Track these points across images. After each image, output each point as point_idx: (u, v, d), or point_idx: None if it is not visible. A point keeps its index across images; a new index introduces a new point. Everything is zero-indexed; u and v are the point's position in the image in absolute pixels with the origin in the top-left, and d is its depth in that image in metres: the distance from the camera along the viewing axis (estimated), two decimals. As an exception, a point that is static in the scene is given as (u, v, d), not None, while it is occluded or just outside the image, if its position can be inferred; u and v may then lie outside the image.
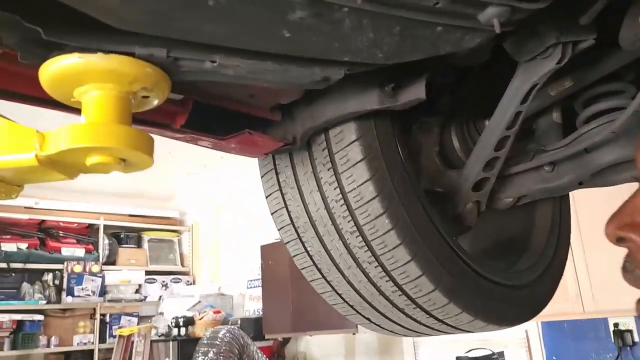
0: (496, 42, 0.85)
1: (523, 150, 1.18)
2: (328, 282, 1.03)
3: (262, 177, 1.04)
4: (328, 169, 0.92)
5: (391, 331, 1.13)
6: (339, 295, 1.04)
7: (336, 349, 5.03)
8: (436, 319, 0.99)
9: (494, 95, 0.98)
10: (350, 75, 0.73)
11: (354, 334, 4.65)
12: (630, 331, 3.40)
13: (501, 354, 3.84)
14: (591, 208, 3.02)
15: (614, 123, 0.92)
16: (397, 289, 0.94)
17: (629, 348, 3.40)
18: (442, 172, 1.14)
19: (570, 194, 1.32)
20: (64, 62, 0.59)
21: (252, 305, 5.49)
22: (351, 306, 1.05)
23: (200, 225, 6.70)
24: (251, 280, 5.60)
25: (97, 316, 5.76)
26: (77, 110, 0.66)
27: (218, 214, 6.46)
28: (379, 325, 1.10)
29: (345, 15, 0.59)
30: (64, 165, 0.64)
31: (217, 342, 3.50)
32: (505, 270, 1.16)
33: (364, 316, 1.07)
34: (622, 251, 0.68)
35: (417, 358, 4.49)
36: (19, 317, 5.22)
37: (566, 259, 1.32)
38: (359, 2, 0.54)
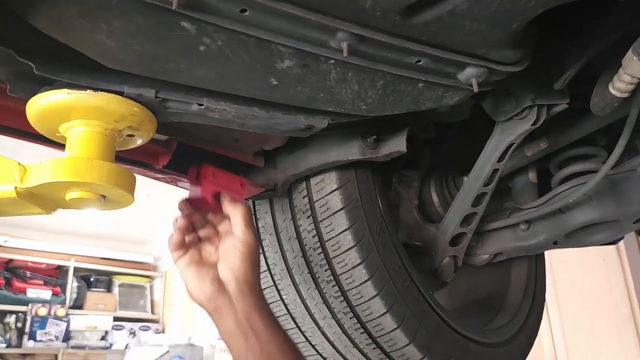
0: (476, 102, 0.89)
1: (500, 208, 1.21)
2: (302, 332, 1.01)
3: (241, 223, 1.03)
4: (307, 217, 0.92)
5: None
6: (313, 346, 1.02)
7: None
8: (410, 374, 0.98)
9: (472, 152, 1.01)
10: (333, 125, 0.75)
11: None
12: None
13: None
14: (567, 267, 3.05)
15: (587, 185, 0.95)
16: (371, 341, 0.93)
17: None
18: (421, 226, 1.16)
19: (547, 252, 1.34)
20: (53, 97, 0.60)
21: (222, 357, 5.30)
22: (324, 358, 1.03)
23: (174, 272, 6.52)
24: (223, 331, 5.40)
25: (59, 363, 5.49)
26: (61, 146, 0.66)
27: (193, 261, 6.29)
28: (351, 380, 1.08)
29: (331, 67, 0.61)
30: (43, 199, 0.63)
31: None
32: (481, 327, 1.16)
33: (337, 369, 1.05)
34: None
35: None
36: (-25, 361, 4.97)
37: (541, 318, 1.32)
38: (344, 55, 0.56)
